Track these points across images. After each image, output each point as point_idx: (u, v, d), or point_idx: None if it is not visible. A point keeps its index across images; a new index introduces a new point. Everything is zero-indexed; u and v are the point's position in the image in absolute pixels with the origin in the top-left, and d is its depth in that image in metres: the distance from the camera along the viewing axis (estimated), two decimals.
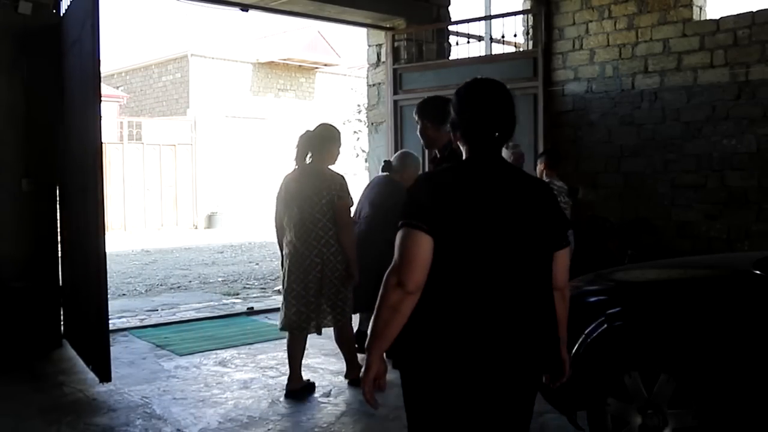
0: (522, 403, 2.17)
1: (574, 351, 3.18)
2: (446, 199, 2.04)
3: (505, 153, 6.71)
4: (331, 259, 4.39)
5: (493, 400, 2.10)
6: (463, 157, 2.21)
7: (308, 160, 4.59)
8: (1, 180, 5.38)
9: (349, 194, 4.47)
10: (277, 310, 7.24)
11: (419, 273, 2.00)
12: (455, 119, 2.20)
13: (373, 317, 2.06)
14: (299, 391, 4.49)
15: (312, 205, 4.38)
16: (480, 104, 2.18)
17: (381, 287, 2.03)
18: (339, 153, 4.62)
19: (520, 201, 2.13)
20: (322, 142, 4.54)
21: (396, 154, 5.78)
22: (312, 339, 5.92)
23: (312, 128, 4.66)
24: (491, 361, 2.04)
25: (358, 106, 15.30)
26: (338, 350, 4.92)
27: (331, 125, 4.68)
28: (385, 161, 5.59)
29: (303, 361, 5.21)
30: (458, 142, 2.23)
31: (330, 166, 4.55)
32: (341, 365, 5.15)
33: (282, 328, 4.56)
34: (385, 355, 2.09)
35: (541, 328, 2.13)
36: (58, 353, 5.40)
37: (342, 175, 4.54)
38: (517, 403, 2.16)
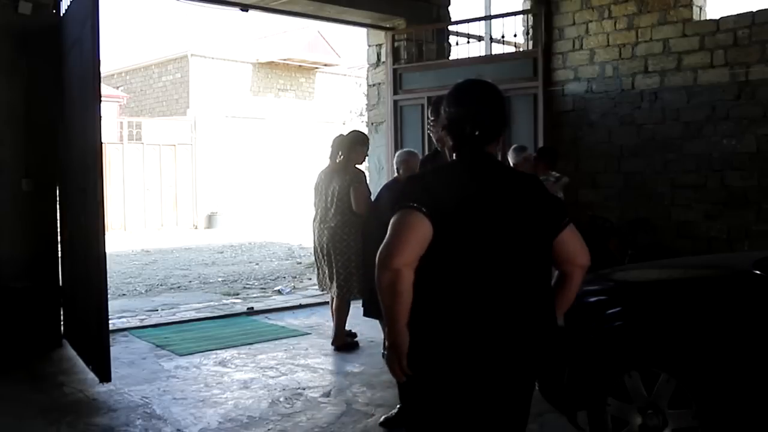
0: (520, 400, 2.18)
1: (574, 351, 3.19)
2: (439, 198, 2.05)
3: (512, 156, 6.73)
4: (337, 241, 5.30)
5: (493, 396, 2.10)
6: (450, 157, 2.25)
7: (338, 158, 5.47)
8: (1, 180, 5.38)
9: (365, 184, 5.37)
10: (277, 310, 7.31)
11: (409, 250, 1.98)
12: (443, 118, 2.23)
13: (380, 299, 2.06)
14: (343, 346, 5.47)
15: (334, 194, 5.32)
16: (464, 103, 2.19)
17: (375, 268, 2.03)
18: (366, 155, 5.53)
19: (511, 196, 2.13)
20: (352, 144, 5.40)
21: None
22: (312, 339, 5.95)
23: (345, 133, 5.62)
24: (491, 357, 2.05)
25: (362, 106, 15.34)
26: (339, 351, 5.48)
27: (361, 132, 5.69)
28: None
29: (303, 361, 5.24)
30: (446, 140, 2.26)
31: (357, 165, 5.42)
32: (341, 365, 5.17)
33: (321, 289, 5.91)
34: (384, 352, 2.10)
35: (540, 323, 2.13)
36: (58, 353, 5.40)
37: (363, 171, 5.47)
38: (515, 400, 2.16)
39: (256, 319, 6.89)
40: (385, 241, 2.02)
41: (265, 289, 9.08)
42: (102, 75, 4.55)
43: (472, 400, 2.08)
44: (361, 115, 15.76)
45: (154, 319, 6.90)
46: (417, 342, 2.05)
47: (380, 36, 8.20)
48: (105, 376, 4.52)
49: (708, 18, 7.15)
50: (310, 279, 9.76)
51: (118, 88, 24.40)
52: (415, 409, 2.17)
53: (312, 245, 5.69)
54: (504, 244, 2.08)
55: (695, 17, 7.15)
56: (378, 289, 2.03)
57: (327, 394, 4.51)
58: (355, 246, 5.26)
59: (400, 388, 2.20)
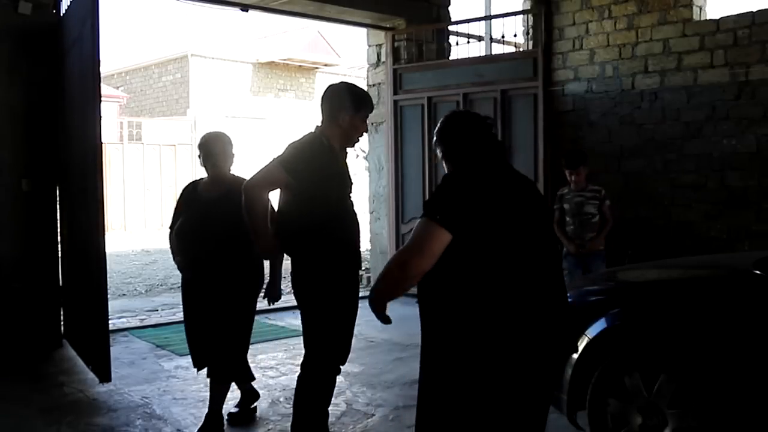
0: (550, 395, 2.29)
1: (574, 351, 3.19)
2: (478, 200, 2.13)
3: None
4: None
5: (532, 394, 2.17)
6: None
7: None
8: (1, 180, 5.38)
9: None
10: (277, 310, 7.29)
11: (426, 263, 2.10)
12: (451, 146, 2.35)
13: (378, 278, 2.23)
14: None
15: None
16: (472, 121, 2.39)
17: (388, 263, 2.20)
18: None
19: (531, 198, 2.28)
20: None
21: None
22: None
23: None
24: (532, 354, 2.11)
25: None
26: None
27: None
28: None
29: (296, 361, 5.24)
30: (455, 164, 2.35)
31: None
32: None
33: None
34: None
35: (567, 318, 2.24)
36: (58, 353, 5.40)
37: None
38: (548, 396, 2.26)
39: (256, 319, 6.86)
40: (409, 246, 2.13)
41: None
42: (102, 75, 4.55)
43: (515, 397, 2.13)
44: None
45: (154, 319, 6.91)
46: (466, 344, 2.10)
47: (380, 36, 8.20)
48: (105, 376, 4.52)
49: (708, 18, 7.15)
50: None
51: (118, 88, 24.41)
52: (452, 411, 2.18)
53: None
54: (537, 241, 2.20)
55: (695, 17, 7.15)
56: (385, 275, 2.19)
57: None
58: None
59: (437, 387, 2.21)
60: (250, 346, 5.68)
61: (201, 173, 3.99)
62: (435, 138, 2.42)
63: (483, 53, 8.37)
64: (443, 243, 2.07)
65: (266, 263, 3.78)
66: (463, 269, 2.09)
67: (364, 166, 10.42)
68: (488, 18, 8.28)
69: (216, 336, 3.78)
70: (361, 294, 3.54)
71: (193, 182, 4.03)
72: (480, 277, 2.09)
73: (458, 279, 2.10)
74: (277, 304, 7.50)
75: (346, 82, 3.41)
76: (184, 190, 3.97)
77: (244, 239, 3.54)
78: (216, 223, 3.66)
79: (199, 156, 3.85)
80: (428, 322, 2.22)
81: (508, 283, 2.09)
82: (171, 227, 3.92)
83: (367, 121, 3.40)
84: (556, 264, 2.27)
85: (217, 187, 3.78)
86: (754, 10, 6.75)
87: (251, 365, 5.15)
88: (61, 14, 5.49)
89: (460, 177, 2.26)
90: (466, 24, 8.12)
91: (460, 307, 2.10)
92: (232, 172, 3.89)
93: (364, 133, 3.43)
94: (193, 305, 3.84)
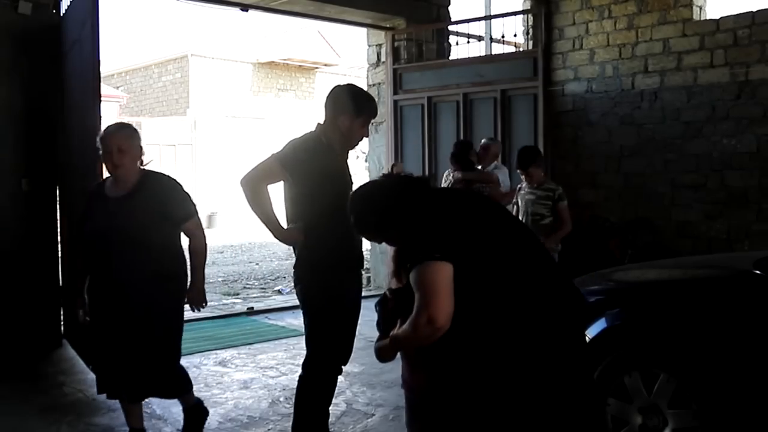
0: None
1: None
2: (450, 219, 2.11)
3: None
4: None
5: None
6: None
7: None
8: (1, 180, 5.38)
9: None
10: (277, 310, 7.29)
11: (446, 306, 1.97)
12: (392, 213, 2.21)
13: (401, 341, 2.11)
14: None
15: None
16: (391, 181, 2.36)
17: (409, 327, 2.03)
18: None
19: (491, 205, 2.29)
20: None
21: None
22: None
23: None
24: (570, 361, 2.08)
25: None
26: None
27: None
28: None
29: (296, 361, 5.23)
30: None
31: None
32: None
33: None
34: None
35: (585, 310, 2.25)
36: (58, 353, 5.40)
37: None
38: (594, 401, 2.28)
39: (256, 319, 6.89)
40: (420, 301, 1.99)
41: (265, 289, 9.08)
42: (102, 75, 4.55)
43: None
44: None
45: None
46: (488, 374, 2.04)
47: (380, 36, 8.20)
48: None
49: (708, 18, 7.16)
50: None
51: (118, 88, 24.40)
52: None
53: None
54: (528, 242, 2.19)
55: (695, 17, 7.16)
56: (413, 341, 2.06)
57: None
58: None
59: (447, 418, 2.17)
60: (251, 346, 5.72)
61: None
62: (370, 225, 2.28)
63: (483, 53, 8.37)
64: (448, 277, 1.97)
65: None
66: (476, 293, 2.02)
67: (364, 166, 10.42)
68: (488, 18, 8.28)
69: (132, 350, 3.34)
70: (363, 293, 3.54)
71: (98, 183, 3.73)
72: (494, 293, 2.03)
73: (474, 306, 2.01)
74: (277, 304, 7.61)
75: (351, 85, 3.41)
76: (89, 193, 3.67)
77: (155, 240, 3.33)
78: (124, 224, 3.33)
79: (100, 153, 3.49)
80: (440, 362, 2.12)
81: (524, 291, 2.04)
82: (80, 233, 3.54)
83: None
84: (551, 258, 2.24)
85: (122, 185, 3.47)
86: (754, 10, 6.75)
87: (251, 365, 5.16)
88: (61, 14, 5.49)
89: (421, 215, 2.16)
90: (466, 24, 8.13)
91: (482, 334, 2.03)
92: (146, 168, 3.63)
93: (365, 137, 3.42)
94: (103, 318, 3.39)
